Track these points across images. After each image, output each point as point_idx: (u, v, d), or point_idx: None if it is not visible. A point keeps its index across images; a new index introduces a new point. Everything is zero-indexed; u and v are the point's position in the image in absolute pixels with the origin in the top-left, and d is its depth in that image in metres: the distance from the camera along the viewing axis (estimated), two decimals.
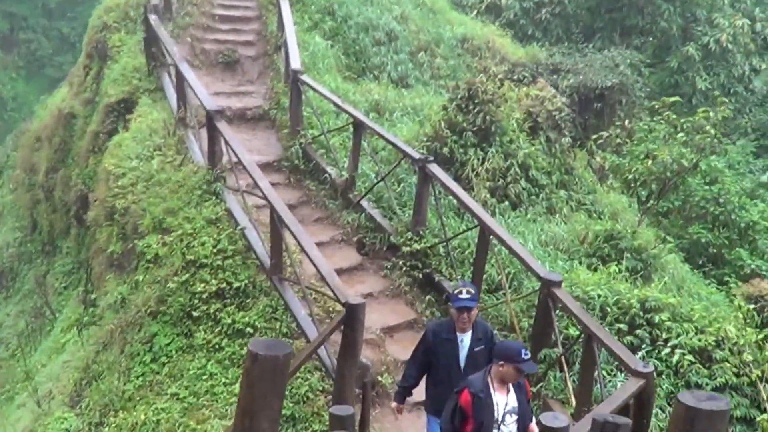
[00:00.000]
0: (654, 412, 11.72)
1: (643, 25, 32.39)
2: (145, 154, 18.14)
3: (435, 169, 15.62)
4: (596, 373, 12.08)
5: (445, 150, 17.98)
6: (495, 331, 11.48)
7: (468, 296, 10.17)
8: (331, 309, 14.10)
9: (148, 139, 18.69)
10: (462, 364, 10.29)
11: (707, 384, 13.75)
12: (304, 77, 19.01)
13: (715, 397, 4.79)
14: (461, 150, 18.11)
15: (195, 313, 14.54)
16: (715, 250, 22.32)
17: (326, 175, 18.26)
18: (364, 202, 17.28)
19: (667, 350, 13.96)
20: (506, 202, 18.07)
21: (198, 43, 23.14)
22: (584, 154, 21.46)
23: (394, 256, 16.11)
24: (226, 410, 12.95)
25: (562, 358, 12.94)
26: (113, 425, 13.85)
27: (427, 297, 15.37)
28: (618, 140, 21.14)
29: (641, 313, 14.35)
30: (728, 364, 13.94)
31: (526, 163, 18.79)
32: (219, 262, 14.97)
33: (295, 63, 19.44)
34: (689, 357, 13.87)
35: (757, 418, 13.33)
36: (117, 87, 22.06)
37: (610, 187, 21.52)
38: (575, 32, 32.20)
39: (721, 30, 31.70)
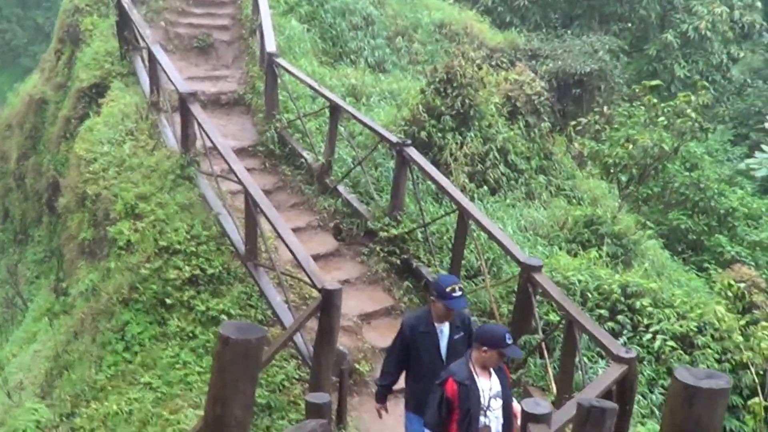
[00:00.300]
0: (635, 398, 11.48)
1: (621, 12, 32.20)
2: (117, 139, 17.88)
3: (413, 152, 15.39)
4: (577, 360, 11.85)
5: (423, 134, 17.76)
6: (474, 318, 11.23)
7: (460, 294, 9.85)
8: (307, 295, 13.94)
9: (121, 123, 18.41)
10: (444, 355, 9.94)
11: None
12: (280, 60, 18.72)
13: (714, 375, 4.49)
14: (439, 134, 17.90)
15: (168, 301, 14.29)
16: (694, 237, 22.23)
17: (302, 160, 18.01)
18: (340, 187, 17.06)
19: (649, 336, 13.89)
20: (485, 187, 17.91)
21: (172, 27, 22.85)
22: (563, 139, 21.28)
23: (371, 241, 15.90)
24: (200, 399, 12.63)
25: (543, 344, 12.75)
26: (85, 416, 13.53)
27: (405, 283, 15.17)
28: (597, 126, 21.00)
29: (622, 299, 14.25)
30: (710, 350, 13.86)
31: (505, 148, 18.62)
32: (192, 249, 14.74)
33: (271, 46, 19.14)
34: (671, 343, 13.81)
35: (749, 402, 13.16)
36: (89, 71, 21.74)
37: (589, 173, 21.35)
38: (554, 19, 31.99)
39: (700, 18, 31.53)
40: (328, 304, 11.17)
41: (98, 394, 13.89)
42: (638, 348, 13.35)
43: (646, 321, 14.06)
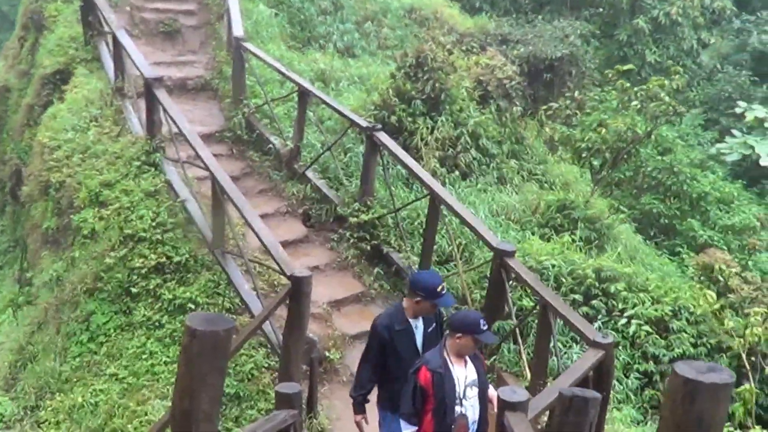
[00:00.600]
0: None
1: None
2: (81, 126, 17.58)
3: (383, 137, 15.18)
4: (552, 345, 11.65)
5: (393, 119, 17.51)
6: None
7: (447, 292, 9.58)
8: (276, 282, 13.76)
9: (85, 110, 18.11)
10: (421, 350, 9.58)
11: (664, 355, 13.62)
12: (248, 45, 18.42)
13: (716, 368, 4.21)
14: (410, 119, 17.65)
15: (134, 290, 14.06)
16: (666, 221, 22.17)
17: (270, 145, 17.78)
18: (309, 173, 16.86)
19: (624, 321, 13.86)
20: (456, 172, 17.72)
21: (137, 12, 22.45)
22: (535, 124, 21.11)
23: (341, 227, 15.73)
24: (167, 390, 12.43)
25: (516, 330, 12.59)
26: (50, 408, 13.33)
27: (375, 269, 15.02)
28: (568, 111, 20.81)
29: (596, 283, 14.19)
30: (685, 335, 13.76)
31: (476, 132, 18.41)
32: (158, 236, 14.50)
33: (238, 30, 18.87)
34: (646, 327, 13.78)
35: (738, 389, 13.01)
36: (53, 58, 21.36)
37: (560, 158, 21.19)
38: (524, 4, 31.79)
39: (671, 3, 31.43)
40: (297, 291, 10.92)
41: (63, 386, 13.70)
42: (613, 333, 13.25)
43: (620, 305, 14.02)
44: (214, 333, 5.91)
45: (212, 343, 5.92)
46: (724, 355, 13.80)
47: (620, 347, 13.32)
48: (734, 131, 28.75)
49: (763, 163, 26.28)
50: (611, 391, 11.12)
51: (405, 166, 15.00)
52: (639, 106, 18.31)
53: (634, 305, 14.00)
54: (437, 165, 17.24)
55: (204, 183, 15.21)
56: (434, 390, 8.50)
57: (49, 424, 13.06)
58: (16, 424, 13.90)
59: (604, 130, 18.21)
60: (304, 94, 16.95)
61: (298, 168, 17.04)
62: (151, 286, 14.00)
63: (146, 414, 12.19)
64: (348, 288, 14.76)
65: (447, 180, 17.21)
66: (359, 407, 9.77)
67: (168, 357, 13.14)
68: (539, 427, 9.65)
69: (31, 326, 15.86)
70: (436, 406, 8.55)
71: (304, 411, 10.99)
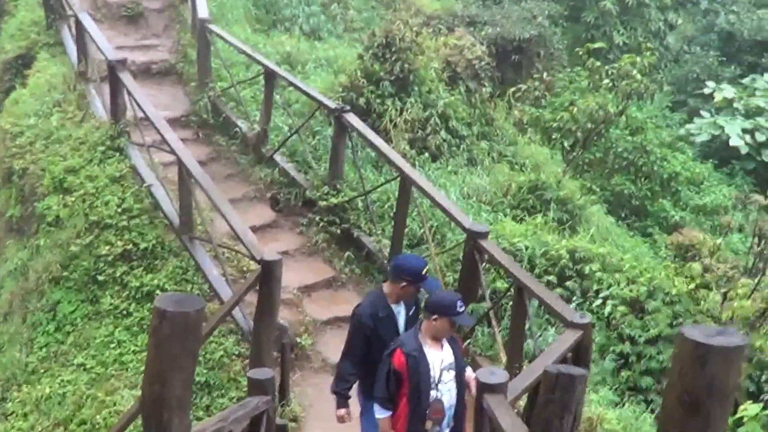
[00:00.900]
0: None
1: None
2: (44, 111, 17.32)
3: (352, 118, 14.99)
4: (527, 327, 11.50)
5: (362, 101, 17.34)
6: None
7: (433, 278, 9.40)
8: (245, 268, 13.59)
9: (47, 95, 17.84)
10: (402, 327, 9.41)
11: (640, 336, 13.53)
12: (213, 27, 18.17)
13: (726, 332, 4.00)
14: (378, 100, 17.49)
15: (100, 278, 13.87)
16: (638, 202, 22.16)
17: (237, 129, 17.54)
18: (277, 157, 16.65)
19: (599, 301, 13.78)
20: (426, 154, 17.55)
21: None
22: (504, 105, 20.94)
23: (310, 211, 15.53)
24: (136, 379, 12.24)
25: (491, 312, 12.41)
26: (16, 400, 13.12)
27: (346, 253, 14.82)
28: (536, 93, 20.67)
29: (571, 264, 14.09)
30: (661, 315, 13.65)
31: (445, 114, 18.26)
32: (124, 223, 14.31)
33: (203, 12, 18.60)
34: (621, 308, 13.65)
35: None
36: (14, 42, 21.14)
37: (530, 139, 21.06)
38: None
39: None
40: (267, 276, 10.75)
41: (30, 377, 13.50)
42: (588, 314, 13.06)
43: (595, 286, 13.95)
44: (185, 314, 5.69)
45: (183, 325, 5.70)
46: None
47: (596, 328, 13.19)
48: (703, 112, 28.78)
49: (732, 143, 26.29)
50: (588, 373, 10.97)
51: (375, 148, 14.84)
52: (610, 84, 18.21)
53: (609, 286, 13.92)
54: (407, 147, 17.08)
55: (170, 168, 15.09)
56: (409, 374, 8.30)
57: (16, 416, 12.84)
58: None
59: (575, 109, 18.09)
60: (270, 77, 16.72)
61: (265, 152, 16.84)
62: (118, 274, 13.82)
63: (115, 404, 12.01)
64: (318, 273, 14.60)
65: (417, 162, 17.02)
66: (342, 401, 9.52)
67: (136, 346, 12.98)
68: (516, 410, 9.47)
69: None
70: (411, 391, 8.35)
71: (276, 398, 10.80)
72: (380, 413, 8.56)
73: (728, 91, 28.72)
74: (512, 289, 11.90)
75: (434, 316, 8.35)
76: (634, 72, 17.97)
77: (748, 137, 26.48)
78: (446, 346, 8.51)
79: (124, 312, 13.49)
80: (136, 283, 13.63)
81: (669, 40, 33.42)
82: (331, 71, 19.56)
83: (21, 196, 16.56)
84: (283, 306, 12.44)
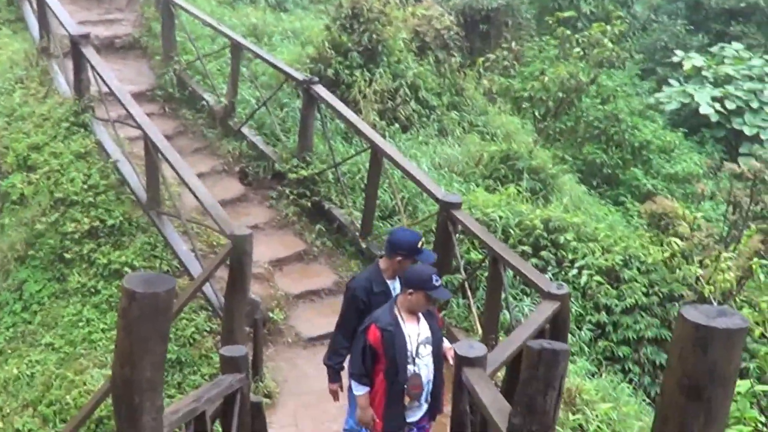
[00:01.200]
0: None
1: None
2: (6, 88, 17.11)
3: (320, 90, 14.81)
4: (503, 298, 11.35)
5: (330, 72, 17.13)
6: None
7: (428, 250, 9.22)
8: (215, 243, 13.48)
9: (9, 71, 17.64)
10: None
11: (616, 305, 13.43)
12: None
13: (727, 312, 3.80)
14: (347, 71, 17.29)
15: (67, 256, 13.67)
16: (609, 171, 22.07)
17: (203, 102, 17.34)
18: (245, 130, 16.46)
19: (574, 271, 13.70)
20: (396, 125, 17.40)
21: None
22: (474, 74, 20.77)
23: (279, 184, 15.38)
24: (106, 358, 12.10)
25: (465, 283, 12.27)
26: None
27: (317, 226, 14.69)
28: (505, 62, 20.56)
29: (545, 234, 13.98)
30: (637, 284, 13.60)
31: (415, 84, 18.09)
32: (91, 199, 14.10)
33: None
34: (597, 278, 13.57)
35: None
36: None
37: (500, 109, 20.93)
38: None
39: None
40: (238, 250, 10.62)
41: None
42: (565, 284, 12.97)
43: (570, 256, 13.87)
44: (155, 295, 5.49)
45: (153, 306, 5.50)
46: (676, 304, 13.65)
47: (572, 298, 13.06)
48: (672, 80, 28.73)
49: (702, 111, 26.26)
50: (567, 344, 10.85)
51: (344, 119, 14.71)
52: (581, 53, 18.10)
53: (584, 255, 13.84)
54: (376, 118, 16.89)
55: (136, 143, 14.85)
56: (384, 349, 8.12)
57: None
58: None
59: (546, 78, 17.97)
60: (237, 49, 16.54)
61: (233, 125, 16.66)
62: (85, 251, 13.62)
63: (85, 384, 11.83)
64: (289, 246, 14.46)
65: (387, 133, 16.86)
66: (335, 375, 9.31)
67: (105, 324, 12.77)
68: (495, 382, 9.32)
69: None
70: (387, 366, 8.17)
71: (250, 374, 10.65)
72: (357, 390, 8.38)
73: (697, 59, 28.69)
74: (487, 260, 11.77)
75: (410, 290, 8.17)
76: (605, 40, 17.86)
77: (717, 105, 26.46)
78: (423, 320, 8.33)
79: (92, 290, 13.29)
80: (104, 261, 13.42)
81: (636, 8, 33.36)
82: (298, 43, 19.38)
83: None
84: (254, 281, 12.31)
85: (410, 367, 8.17)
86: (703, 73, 28.26)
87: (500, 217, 14.02)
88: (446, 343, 8.65)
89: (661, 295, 13.81)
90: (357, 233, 14.11)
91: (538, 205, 15.55)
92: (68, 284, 13.47)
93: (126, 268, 13.17)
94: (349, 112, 14.68)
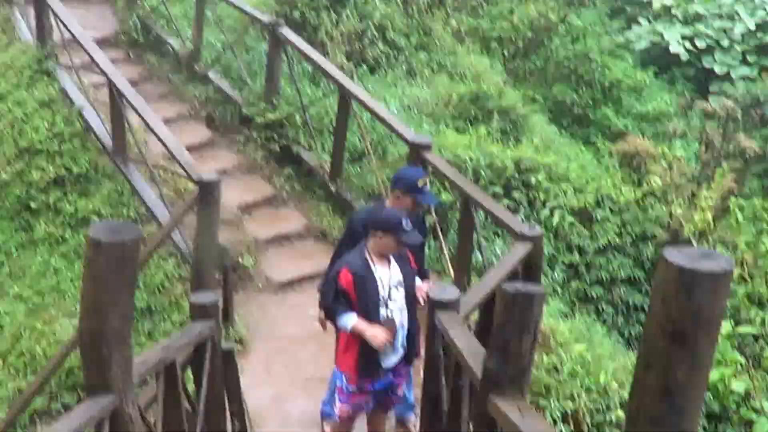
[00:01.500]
0: None
1: None
2: None
3: (287, 32, 14.60)
4: (475, 239, 11.26)
5: (296, 14, 16.87)
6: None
7: (429, 189, 9.04)
8: (183, 189, 13.25)
9: None
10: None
11: (589, 246, 13.41)
12: None
13: (711, 254, 3.65)
14: (313, 12, 17.04)
15: (33, 205, 13.56)
16: (580, 110, 21.90)
17: (168, 47, 17.15)
18: (211, 74, 16.29)
19: (546, 212, 13.64)
20: (364, 67, 17.22)
21: None
22: (441, 14, 20.56)
23: (247, 129, 15.20)
24: (75, 308, 11.88)
25: (437, 225, 12.17)
26: None
27: (286, 170, 14.59)
28: (473, 2, 20.36)
29: (516, 175, 13.93)
30: (609, 224, 13.57)
31: (382, 25, 17.82)
32: (56, 148, 13.96)
33: None
34: (569, 218, 13.51)
35: None
36: None
37: (469, 49, 20.74)
38: None
39: None
40: (205, 196, 10.51)
41: None
42: (538, 225, 12.93)
43: (542, 196, 13.82)
44: (120, 243, 5.34)
45: (119, 255, 5.36)
46: (649, 243, 13.64)
47: (544, 239, 12.98)
48: (641, 19, 28.52)
49: (672, 49, 26.11)
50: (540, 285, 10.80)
51: (311, 61, 14.51)
52: None
53: (556, 196, 13.82)
54: (344, 60, 16.66)
55: (101, 90, 14.69)
56: (357, 293, 7.98)
57: None
58: None
59: (515, 18, 17.82)
60: None
61: (198, 69, 16.47)
62: (52, 200, 13.54)
63: (54, 334, 11.69)
64: (258, 191, 14.35)
65: (355, 75, 16.67)
66: (328, 314, 9.20)
67: (73, 273, 12.69)
68: (468, 324, 9.25)
69: None
70: (359, 310, 8.04)
71: (221, 320, 10.57)
72: (347, 321, 8.13)
73: None
74: (458, 202, 11.67)
75: (379, 233, 8.03)
76: None
77: (687, 44, 26.32)
78: (394, 263, 8.20)
79: (60, 239, 13.22)
80: (71, 209, 13.34)
81: None
82: None
83: None
84: (223, 226, 12.18)
85: (383, 311, 8.04)
86: (673, 11, 28.03)
87: (471, 159, 13.91)
88: (418, 282, 8.55)
89: (634, 235, 13.82)
90: (326, 176, 13.98)
91: (509, 145, 15.45)
92: (35, 234, 13.37)
93: (93, 216, 13.07)
94: (316, 54, 14.48)
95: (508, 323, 5.34)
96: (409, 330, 8.26)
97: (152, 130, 12.29)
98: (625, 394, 9.30)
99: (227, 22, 17.31)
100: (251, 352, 11.30)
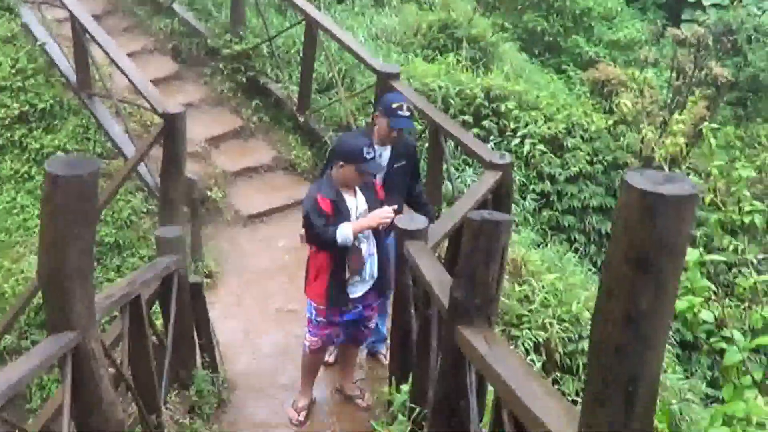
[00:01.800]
0: None
1: None
2: None
3: None
4: (445, 169, 11.15)
5: None
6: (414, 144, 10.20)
7: (408, 114, 8.87)
8: (149, 123, 13.18)
9: None
10: (380, 181, 8.94)
11: (560, 174, 13.35)
12: None
13: (675, 178, 3.52)
14: None
15: None
16: (551, 38, 21.69)
17: None
18: (176, 6, 15.98)
19: (517, 140, 13.58)
20: None
21: None
22: None
23: (213, 61, 15.00)
24: None
25: None
26: None
27: (254, 102, 14.41)
28: None
29: (486, 103, 13.84)
30: (581, 152, 13.51)
31: None
32: (19, 84, 13.91)
33: None
34: (540, 147, 13.44)
35: None
36: None
37: None
38: None
39: None
40: (171, 129, 10.29)
41: None
42: (508, 153, 12.86)
43: (512, 125, 13.73)
44: (78, 177, 5.23)
45: (78, 190, 5.24)
46: (621, 171, 13.58)
47: (515, 168, 12.95)
48: None
49: None
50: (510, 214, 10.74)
51: None
52: None
53: (527, 124, 13.75)
54: None
55: (64, 24, 14.51)
56: (336, 217, 7.82)
57: None
58: None
59: None
60: None
61: (163, 1, 16.16)
62: (17, 137, 13.52)
63: (22, 272, 11.77)
64: (226, 123, 14.24)
65: (322, 4, 16.37)
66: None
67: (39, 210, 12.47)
68: (438, 254, 9.18)
69: None
70: None
71: (189, 255, 10.49)
72: (344, 233, 7.77)
73: None
74: (427, 131, 11.56)
75: (340, 163, 7.85)
76: None
77: None
78: (359, 193, 8.07)
79: (26, 176, 13.21)
80: (36, 145, 13.31)
81: None
82: None
83: None
84: (191, 159, 12.15)
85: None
86: None
87: (440, 87, 13.80)
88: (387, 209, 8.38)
89: (605, 163, 13.79)
90: (294, 108, 13.85)
91: (479, 74, 15.28)
92: (1, 171, 13.29)
93: (59, 152, 12.95)
94: None
95: (474, 252, 5.28)
96: (378, 260, 8.16)
97: (116, 64, 12.04)
98: None
99: None
100: (221, 286, 11.25)
